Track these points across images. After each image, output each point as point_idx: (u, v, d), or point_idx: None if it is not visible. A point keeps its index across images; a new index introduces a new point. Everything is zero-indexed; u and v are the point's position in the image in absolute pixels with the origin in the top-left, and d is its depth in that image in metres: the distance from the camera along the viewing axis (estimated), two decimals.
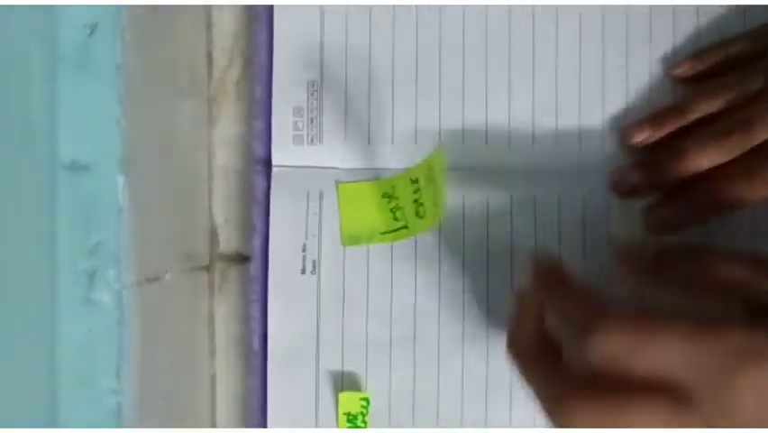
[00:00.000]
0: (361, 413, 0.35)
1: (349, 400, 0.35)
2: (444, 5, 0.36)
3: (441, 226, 0.36)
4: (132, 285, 0.29)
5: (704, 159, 0.32)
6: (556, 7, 0.36)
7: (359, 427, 0.35)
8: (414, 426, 0.35)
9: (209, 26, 0.37)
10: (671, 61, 0.35)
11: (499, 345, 0.36)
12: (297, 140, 0.36)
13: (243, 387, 0.37)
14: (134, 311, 0.29)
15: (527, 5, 0.36)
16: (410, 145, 0.36)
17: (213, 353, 0.37)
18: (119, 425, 0.28)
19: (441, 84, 0.36)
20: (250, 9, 0.37)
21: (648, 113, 0.34)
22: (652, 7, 0.35)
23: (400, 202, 0.35)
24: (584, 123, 0.35)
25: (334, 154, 0.36)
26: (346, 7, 0.36)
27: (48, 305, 0.28)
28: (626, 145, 0.35)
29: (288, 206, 0.36)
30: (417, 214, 0.35)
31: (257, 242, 0.36)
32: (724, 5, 0.35)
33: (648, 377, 0.25)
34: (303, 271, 0.36)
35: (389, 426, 0.35)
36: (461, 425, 0.35)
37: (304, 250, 0.36)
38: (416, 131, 0.36)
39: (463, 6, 0.36)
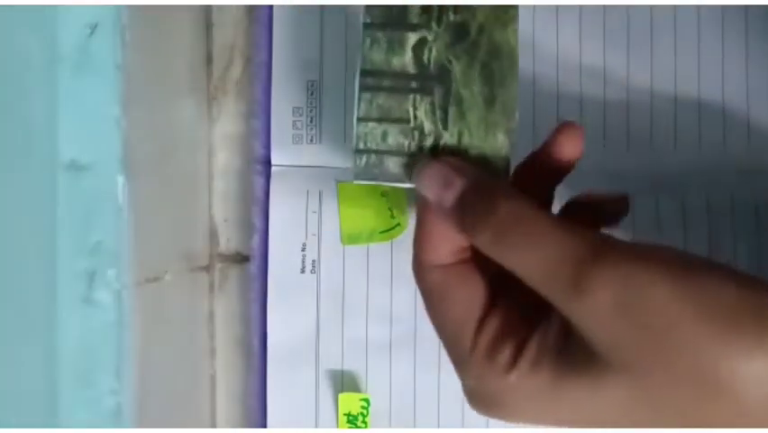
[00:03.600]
0: (362, 414, 0.35)
1: (349, 401, 0.35)
2: None
3: None
4: (132, 285, 0.29)
5: None
6: (533, 7, 0.36)
7: (359, 427, 0.35)
8: (414, 426, 0.35)
9: (209, 26, 0.37)
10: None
11: None
12: (297, 139, 0.36)
13: (243, 387, 0.37)
14: (134, 311, 0.29)
15: (528, 6, 0.36)
16: None
17: (213, 353, 0.37)
18: (119, 425, 0.28)
19: None
20: (250, 9, 0.37)
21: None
22: (652, 8, 0.36)
23: (396, 200, 0.35)
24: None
25: (334, 154, 0.36)
26: (346, 7, 0.36)
27: (48, 305, 0.28)
28: None
29: (287, 205, 0.36)
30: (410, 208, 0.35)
31: (257, 241, 0.36)
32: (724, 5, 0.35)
33: None
34: (302, 271, 0.36)
35: (390, 426, 0.35)
36: (462, 425, 0.35)
37: (303, 249, 0.36)
38: None
39: None
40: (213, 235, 0.37)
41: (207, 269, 0.37)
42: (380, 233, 0.36)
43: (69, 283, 0.28)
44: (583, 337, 0.23)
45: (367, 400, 0.35)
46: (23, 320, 0.29)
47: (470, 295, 0.26)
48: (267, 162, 0.36)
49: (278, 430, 0.35)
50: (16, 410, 0.29)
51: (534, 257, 0.23)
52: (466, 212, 0.24)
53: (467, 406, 0.35)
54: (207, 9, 0.37)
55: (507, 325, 0.25)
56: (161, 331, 0.32)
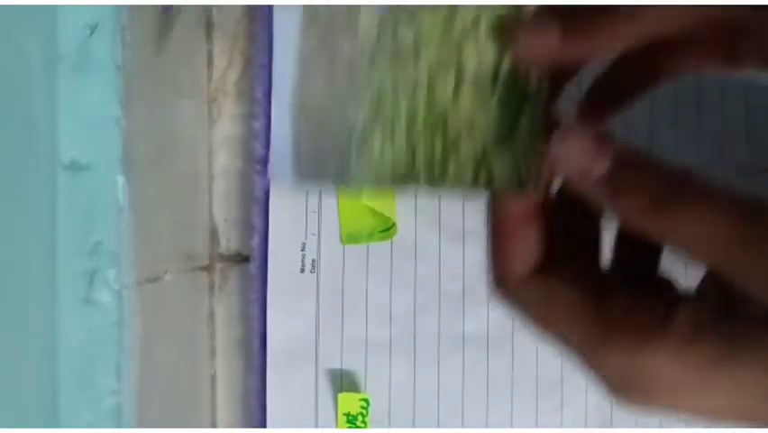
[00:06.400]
0: (361, 414, 0.35)
1: (348, 401, 0.35)
2: None
3: (441, 226, 0.36)
4: (132, 285, 0.29)
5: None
6: None
7: (358, 427, 0.35)
8: (414, 426, 0.35)
9: (209, 26, 0.37)
10: None
11: (500, 344, 0.36)
12: None
13: (243, 387, 0.37)
14: (134, 311, 0.29)
15: None
16: None
17: (213, 353, 0.37)
18: (119, 425, 0.28)
19: None
20: (250, 9, 0.37)
21: None
22: None
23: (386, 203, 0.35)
24: None
25: None
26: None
27: (48, 305, 0.28)
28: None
29: (287, 205, 0.36)
30: None
31: (257, 241, 0.36)
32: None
33: None
34: (302, 270, 0.36)
35: (389, 426, 0.35)
36: (462, 425, 0.35)
37: (303, 249, 0.36)
38: None
39: None
40: (213, 235, 0.37)
41: (207, 269, 0.37)
42: (380, 232, 0.36)
43: (69, 283, 0.28)
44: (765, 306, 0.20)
45: (366, 400, 0.35)
46: (23, 320, 0.29)
47: (572, 288, 0.23)
48: (267, 162, 0.36)
49: (278, 430, 0.35)
50: (16, 410, 0.29)
51: (697, 222, 0.21)
52: (619, 179, 0.22)
53: (467, 406, 0.35)
54: (207, 9, 0.37)
55: (632, 301, 0.22)
56: (161, 331, 0.32)
